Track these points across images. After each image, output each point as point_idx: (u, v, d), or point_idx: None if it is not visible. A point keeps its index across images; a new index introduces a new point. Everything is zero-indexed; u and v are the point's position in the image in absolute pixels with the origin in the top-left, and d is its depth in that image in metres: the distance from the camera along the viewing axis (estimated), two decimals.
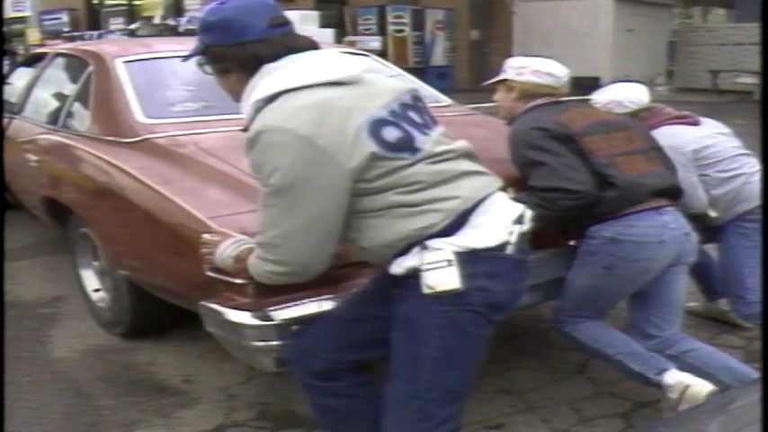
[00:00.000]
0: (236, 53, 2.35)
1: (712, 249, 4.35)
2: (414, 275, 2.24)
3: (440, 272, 2.20)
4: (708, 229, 4.01)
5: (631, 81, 4.30)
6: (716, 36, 23.79)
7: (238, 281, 2.78)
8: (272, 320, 2.84)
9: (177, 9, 16.48)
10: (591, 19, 23.17)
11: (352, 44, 17.64)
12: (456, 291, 2.20)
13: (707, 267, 4.41)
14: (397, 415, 2.37)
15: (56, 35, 16.66)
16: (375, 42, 17.99)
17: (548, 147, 3.34)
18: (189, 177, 3.51)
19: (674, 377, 3.29)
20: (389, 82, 2.49)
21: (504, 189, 2.61)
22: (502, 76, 3.71)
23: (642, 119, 3.93)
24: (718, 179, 3.95)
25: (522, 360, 4.13)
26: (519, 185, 3.33)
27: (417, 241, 2.24)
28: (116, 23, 17.44)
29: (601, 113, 3.69)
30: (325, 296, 2.92)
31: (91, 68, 4.77)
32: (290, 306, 2.87)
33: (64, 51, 5.73)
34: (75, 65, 5.16)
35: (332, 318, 2.73)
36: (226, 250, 2.61)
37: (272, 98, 2.27)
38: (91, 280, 4.63)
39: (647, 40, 24.28)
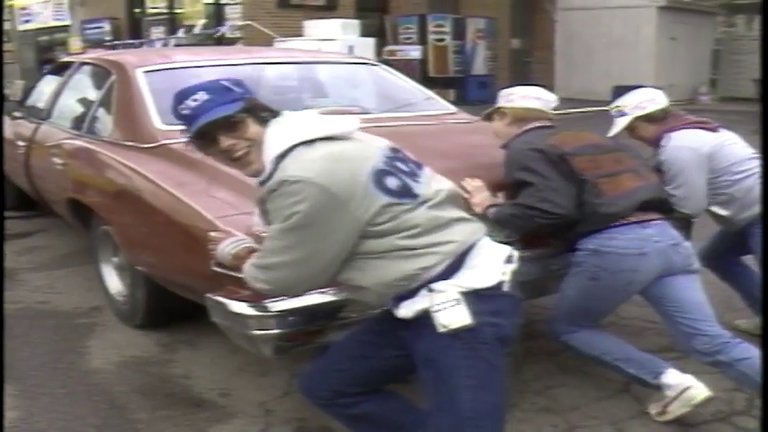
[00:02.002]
0: (254, 103, 2.59)
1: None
2: (425, 316, 2.43)
3: (450, 311, 2.39)
4: (738, 239, 4.13)
5: (626, 89, 4.49)
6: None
7: (240, 275, 2.92)
8: (270, 311, 3.09)
9: (218, 18, 16.53)
10: (633, 27, 22.94)
11: (392, 53, 17.64)
12: (469, 326, 2.39)
13: (748, 280, 4.43)
14: None
15: (98, 44, 16.81)
16: (415, 51, 17.91)
17: (537, 168, 3.49)
18: (200, 180, 3.72)
19: (674, 377, 3.48)
20: (370, 138, 2.66)
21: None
22: (496, 106, 3.90)
23: (672, 118, 4.09)
24: (732, 181, 4.00)
25: (565, 377, 4.05)
26: (509, 191, 3.63)
27: (421, 285, 2.44)
28: (157, 32, 17.55)
29: (591, 137, 3.80)
30: (319, 290, 3.07)
31: (113, 77, 5.03)
32: (286, 298, 3.08)
33: (88, 61, 5.97)
34: (99, 74, 5.43)
35: (338, 354, 2.90)
36: (226, 248, 2.86)
37: (286, 152, 2.46)
38: (112, 276, 4.84)
39: (690, 49, 24.00)
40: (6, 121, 6.87)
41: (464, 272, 2.44)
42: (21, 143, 6.10)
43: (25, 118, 6.37)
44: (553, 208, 3.41)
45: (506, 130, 3.83)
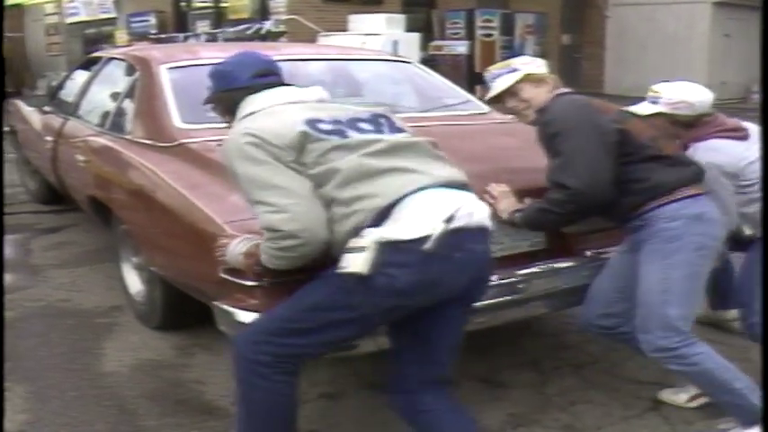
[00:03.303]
0: (223, 98, 2.99)
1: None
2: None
3: (354, 255, 2.49)
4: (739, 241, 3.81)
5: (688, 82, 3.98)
6: None
7: (248, 283, 2.98)
8: None
9: (263, 12, 16.48)
10: (687, 24, 22.52)
11: (438, 49, 17.46)
12: (360, 275, 2.47)
13: (727, 276, 4.19)
14: (261, 324, 2.81)
15: (143, 37, 16.86)
16: (462, 47, 17.70)
17: (575, 134, 3.19)
18: (214, 182, 3.62)
19: None
20: (349, 106, 2.96)
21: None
22: (521, 74, 3.48)
23: (703, 124, 3.77)
24: (755, 198, 3.63)
25: (591, 393, 3.86)
26: (537, 196, 3.36)
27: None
28: (203, 26, 17.56)
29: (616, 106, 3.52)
30: None
31: (138, 74, 4.93)
32: None
33: (116, 56, 5.87)
34: (125, 69, 5.33)
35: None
36: (236, 248, 2.89)
37: (245, 117, 2.81)
38: (132, 276, 4.76)
39: (744, 46, 23.39)
40: (36, 114, 6.84)
41: (388, 223, 2.51)
42: (49, 138, 6.06)
43: (54, 112, 6.31)
44: (578, 183, 3.11)
45: (547, 98, 3.45)
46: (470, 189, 2.76)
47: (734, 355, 3.80)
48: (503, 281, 3.38)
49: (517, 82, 3.49)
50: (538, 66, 3.55)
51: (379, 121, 2.82)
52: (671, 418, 3.57)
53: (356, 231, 2.53)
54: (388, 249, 2.46)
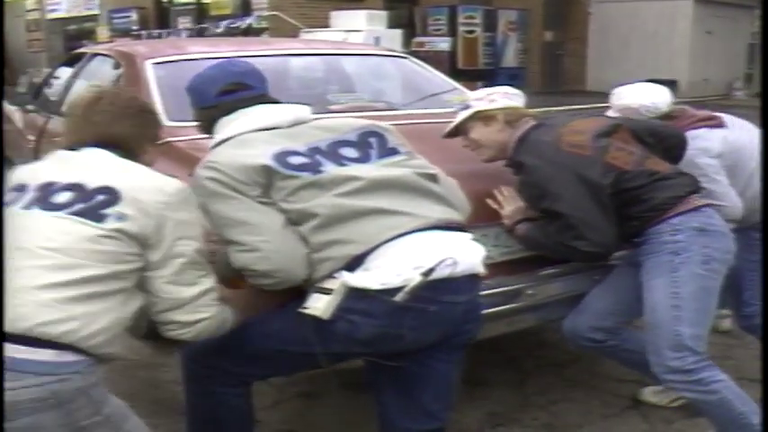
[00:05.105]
0: (200, 116, 2.77)
1: None
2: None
3: (318, 296, 2.34)
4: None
5: (662, 82, 3.83)
6: None
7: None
8: None
9: (245, 8, 16.45)
10: (669, 21, 22.59)
11: (420, 45, 17.46)
12: (320, 318, 2.31)
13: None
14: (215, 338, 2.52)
15: (125, 33, 16.81)
16: (444, 43, 17.74)
17: (564, 195, 3.03)
18: None
19: None
20: (334, 123, 2.69)
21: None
22: (471, 111, 3.30)
23: (671, 121, 3.59)
24: (741, 187, 3.54)
25: (571, 392, 3.84)
26: None
27: None
28: (184, 22, 17.51)
29: (592, 122, 3.31)
30: None
31: (122, 69, 4.73)
32: None
33: (100, 51, 5.68)
34: (109, 65, 5.11)
35: None
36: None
37: (217, 144, 2.60)
38: None
39: (725, 43, 23.60)
40: (19, 112, 6.69)
41: (358, 271, 2.33)
42: (31, 137, 5.89)
43: (37, 111, 6.14)
44: (588, 246, 3.01)
45: (498, 138, 3.25)
46: (465, 229, 2.54)
47: (716, 353, 3.81)
48: (510, 287, 3.26)
49: (466, 120, 3.32)
50: (510, 98, 3.34)
51: (368, 142, 2.58)
52: (650, 416, 3.56)
53: (330, 275, 2.36)
54: (355, 296, 2.30)
